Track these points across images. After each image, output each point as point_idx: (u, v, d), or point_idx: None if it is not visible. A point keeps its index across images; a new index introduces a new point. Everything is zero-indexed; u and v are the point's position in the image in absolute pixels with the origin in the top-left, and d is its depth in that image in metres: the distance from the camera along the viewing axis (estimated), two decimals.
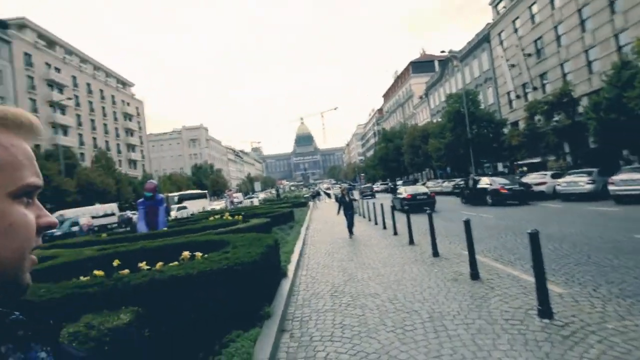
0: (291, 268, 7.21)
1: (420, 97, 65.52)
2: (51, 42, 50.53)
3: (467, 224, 5.94)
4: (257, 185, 76.10)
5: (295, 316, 4.98)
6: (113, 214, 31.53)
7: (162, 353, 3.19)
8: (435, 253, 7.74)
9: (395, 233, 11.33)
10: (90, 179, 36.45)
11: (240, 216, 11.62)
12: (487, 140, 33.04)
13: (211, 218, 13.13)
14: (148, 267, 4.70)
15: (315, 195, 40.34)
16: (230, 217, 11.90)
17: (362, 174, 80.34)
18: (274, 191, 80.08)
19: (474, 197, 20.63)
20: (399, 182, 44.59)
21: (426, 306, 4.77)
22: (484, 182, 20.22)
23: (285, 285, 6.06)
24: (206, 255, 4.92)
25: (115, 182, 40.96)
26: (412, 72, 72.11)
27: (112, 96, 63.23)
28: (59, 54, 51.24)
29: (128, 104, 68.36)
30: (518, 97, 35.23)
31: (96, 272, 4.59)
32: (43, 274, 5.02)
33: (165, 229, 9.64)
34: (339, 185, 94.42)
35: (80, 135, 52.39)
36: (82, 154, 49.62)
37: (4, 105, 0.62)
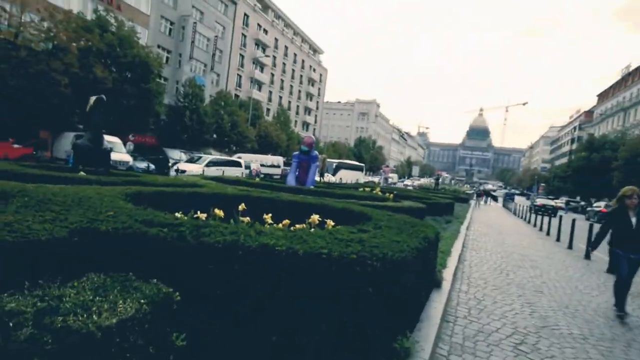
0: (447, 277, 5.12)
1: None
2: (266, 6, 57.10)
3: None
4: (416, 170, 72.56)
5: None
6: (278, 166, 34.23)
7: None
8: None
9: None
10: (268, 132, 40.49)
11: (392, 195, 9.96)
12: None
13: (360, 189, 11.98)
14: (271, 222, 3.71)
15: (480, 194, 33.95)
16: (380, 193, 10.48)
17: (543, 184, 67.75)
18: (429, 179, 75.45)
19: None
20: (600, 203, 32.66)
21: None
22: None
23: (438, 301, 4.07)
24: (337, 228, 3.42)
25: (287, 139, 44.60)
26: None
27: (303, 61, 68.48)
28: (269, 17, 57.68)
29: (314, 70, 73.17)
30: None
31: (217, 210, 3.73)
32: (184, 198, 4.60)
33: (312, 187, 9.03)
34: (506, 189, 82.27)
35: (270, 92, 58.78)
36: (268, 109, 55.82)
37: None
